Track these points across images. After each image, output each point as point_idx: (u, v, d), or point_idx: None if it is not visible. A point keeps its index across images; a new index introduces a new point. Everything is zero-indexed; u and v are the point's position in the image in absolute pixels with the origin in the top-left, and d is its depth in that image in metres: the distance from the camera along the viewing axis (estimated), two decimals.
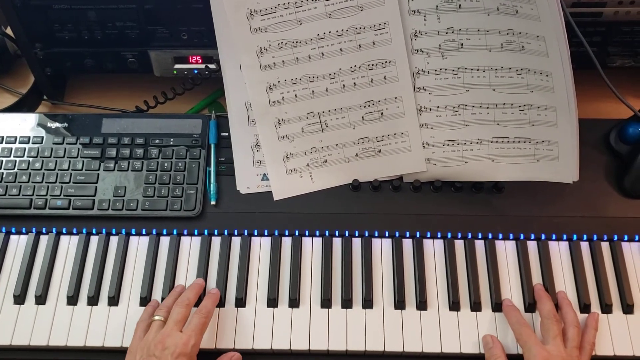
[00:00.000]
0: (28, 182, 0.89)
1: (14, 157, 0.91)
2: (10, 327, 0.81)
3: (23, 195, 0.89)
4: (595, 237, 0.86)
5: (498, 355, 0.77)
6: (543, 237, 0.87)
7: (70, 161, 0.91)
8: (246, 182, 0.91)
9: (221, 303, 0.82)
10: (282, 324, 0.81)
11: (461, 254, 0.86)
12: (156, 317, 0.77)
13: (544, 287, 0.83)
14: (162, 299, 0.82)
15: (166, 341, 0.73)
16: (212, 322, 0.81)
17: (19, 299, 0.83)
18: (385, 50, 0.86)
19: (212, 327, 0.81)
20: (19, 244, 0.87)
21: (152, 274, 0.85)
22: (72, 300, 0.83)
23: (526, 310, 0.82)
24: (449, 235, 0.87)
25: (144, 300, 0.83)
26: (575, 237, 0.87)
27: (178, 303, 0.79)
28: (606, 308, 0.82)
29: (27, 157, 0.91)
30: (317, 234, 0.87)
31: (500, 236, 0.87)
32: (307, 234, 0.87)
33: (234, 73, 0.89)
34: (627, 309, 0.82)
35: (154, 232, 0.87)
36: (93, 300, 0.83)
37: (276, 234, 0.87)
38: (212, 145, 0.93)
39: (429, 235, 0.87)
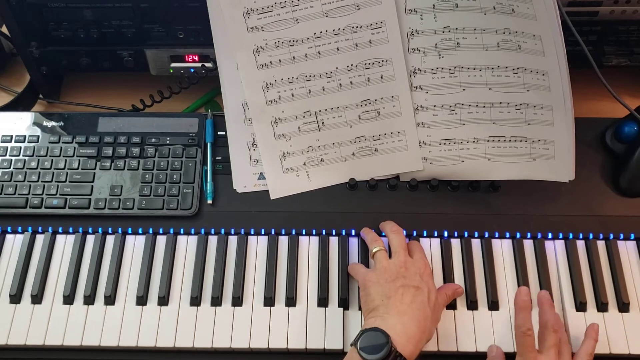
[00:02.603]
0: (24, 181, 0.89)
1: (9, 156, 0.91)
2: (6, 326, 0.81)
3: (19, 194, 0.88)
4: (591, 236, 0.87)
5: None
6: (539, 235, 0.87)
7: (66, 160, 0.91)
8: (243, 181, 0.91)
9: (218, 302, 0.82)
10: (279, 322, 0.81)
11: (457, 252, 0.86)
12: (376, 249, 0.81)
13: (543, 289, 0.83)
14: (159, 298, 0.82)
15: (407, 265, 0.79)
16: (208, 322, 0.81)
17: (15, 298, 0.83)
18: (381, 49, 0.86)
19: (209, 326, 0.81)
20: (14, 243, 0.87)
21: (149, 273, 0.85)
22: (69, 299, 0.83)
23: None
24: (446, 234, 0.87)
25: (141, 300, 0.82)
26: (571, 235, 0.87)
27: (394, 231, 0.83)
28: (602, 306, 0.82)
29: (23, 156, 0.91)
30: (314, 233, 0.87)
31: (497, 235, 0.87)
32: (303, 233, 0.87)
33: (230, 72, 0.89)
34: (623, 307, 0.82)
35: (151, 231, 0.87)
36: (89, 300, 0.83)
37: (273, 233, 0.87)
38: (209, 144, 0.93)
39: (425, 234, 0.87)
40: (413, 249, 0.83)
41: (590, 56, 0.84)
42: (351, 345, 0.73)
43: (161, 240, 0.87)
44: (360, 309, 0.82)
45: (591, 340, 0.77)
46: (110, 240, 0.87)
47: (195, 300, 0.82)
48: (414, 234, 0.87)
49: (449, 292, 0.81)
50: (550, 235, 0.87)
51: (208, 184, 0.90)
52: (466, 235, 0.87)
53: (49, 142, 0.92)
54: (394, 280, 0.77)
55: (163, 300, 0.83)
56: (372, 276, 0.79)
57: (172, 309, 0.82)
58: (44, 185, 0.89)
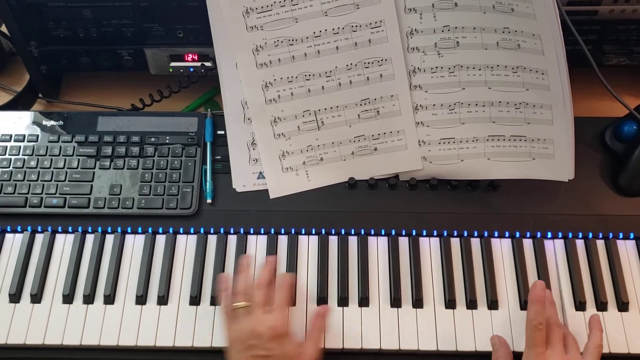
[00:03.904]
0: (23, 180, 0.89)
1: (9, 155, 0.91)
2: (6, 326, 0.81)
3: (18, 193, 0.88)
4: (590, 235, 0.87)
5: (503, 358, 0.76)
6: (539, 234, 0.87)
7: (65, 159, 0.91)
8: (242, 180, 0.90)
9: (217, 301, 0.82)
10: None
11: (457, 251, 0.86)
12: (240, 304, 0.76)
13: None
14: (158, 297, 0.82)
15: (258, 328, 0.73)
16: (208, 321, 0.81)
17: (15, 297, 0.83)
18: (381, 48, 0.86)
19: (208, 325, 0.81)
20: (14, 242, 0.87)
21: (148, 272, 0.85)
22: (68, 298, 0.83)
23: (522, 308, 0.82)
24: (445, 233, 0.87)
25: (140, 299, 0.82)
26: (570, 235, 0.87)
27: (258, 285, 0.78)
28: (601, 306, 0.82)
29: (22, 155, 0.91)
30: (313, 232, 0.87)
31: (496, 234, 0.87)
32: (303, 232, 0.87)
33: (230, 71, 0.89)
34: (622, 306, 0.82)
35: (150, 230, 0.87)
36: (89, 299, 0.83)
37: (272, 232, 0.87)
38: (208, 144, 0.93)
39: (425, 233, 0.87)
40: (275, 299, 0.77)
41: (589, 55, 0.84)
42: None
43: (161, 240, 0.87)
44: (360, 305, 0.82)
45: (597, 331, 0.76)
46: (109, 239, 0.87)
47: (195, 300, 0.82)
48: (414, 233, 0.87)
49: (315, 335, 0.77)
50: (549, 235, 0.87)
51: (207, 183, 0.90)
52: (466, 234, 0.87)
53: (49, 142, 0.92)
54: (246, 350, 0.73)
55: (162, 300, 0.83)
56: (230, 337, 0.75)
57: (171, 308, 0.82)
58: (43, 185, 0.89)
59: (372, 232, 0.87)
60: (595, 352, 0.74)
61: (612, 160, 0.92)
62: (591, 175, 0.91)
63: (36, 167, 0.90)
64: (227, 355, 0.75)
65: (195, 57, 0.98)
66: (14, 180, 0.89)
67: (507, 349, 0.77)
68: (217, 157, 0.92)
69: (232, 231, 0.87)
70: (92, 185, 0.89)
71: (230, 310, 0.77)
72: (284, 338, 0.73)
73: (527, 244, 0.87)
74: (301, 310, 0.82)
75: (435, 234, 0.87)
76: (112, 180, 0.90)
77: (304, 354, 0.74)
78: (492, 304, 0.82)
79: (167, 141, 0.92)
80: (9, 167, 0.90)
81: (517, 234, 0.87)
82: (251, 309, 0.76)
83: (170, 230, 0.87)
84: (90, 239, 0.87)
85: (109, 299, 0.83)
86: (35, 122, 0.94)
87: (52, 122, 0.94)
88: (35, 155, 0.91)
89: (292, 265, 0.84)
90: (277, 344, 0.73)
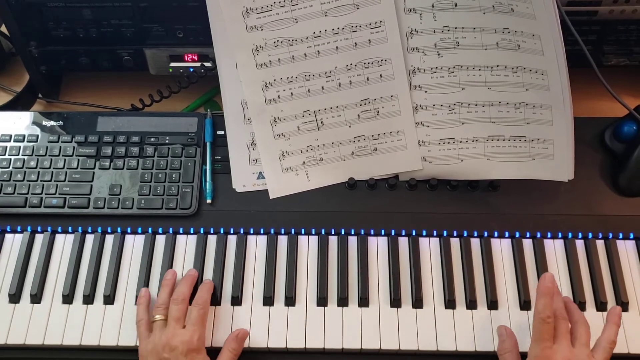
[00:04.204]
0: (23, 180, 0.89)
1: (8, 155, 0.91)
2: (6, 326, 0.81)
3: (18, 193, 0.88)
4: (590, 235, 0.87)
5: (509, 350, 0.76)
6: (538, 235, 0.87)
7: (65, 159, 0.91)
8: (242, 180, 0.90)
9: (217, 301, 0.82)
10: (278, 322, 0.81)
11: (457, 252, 0.86)
12: (157, 317, 0.78)
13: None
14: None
15: (172, 342, 0.75)
16: (208, 321, 0.81)
17: (14, 297, 0.83)
18: (381, 49, 0.86)
19: (208, 325, 0.80)
20: (14, 242, 0.87)
21: (148, 272, 0.85)
22: (68, 299, 0.83)
23: (521, 309, 0.82)
24: (445, 234, 0.87)
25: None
26: (570, 235, 0.87)
27: (174, 300, 0.79)
28: (601, 306, 0.82)
29: (22, 155, 0.91)
30: (313, 232, 0.87)
31: (496, 234, 0.87)
32: (303, 233, 0.87)
33: (229, 71, 0.89)
34: (622, 306, 0.82)
35: (150, 230, 0.87)
36: (88, 299, 0.83)
37: (272, 232, 0.87)
38: (208, 144, 0.93)
39: (424, 234, 0.87)
40: (190, 315, 0.78)
41: (589, 56, 0.84)
42: None
43: (160, 240, 0.87)
44: (359, 305, 0.82)
45: (614, 325, 0.74)
46: (109, 239, 0.87)
47: None
48: (413, 234, 0.87)
49: (226, 355, 0.77)
50: (549, 235, 0.87)
51: (207, 184, 0.90)
52: (465, 234, 0.87)
53: (48, 142, 0.92)
54: None
55: None
56: (144, 350, 0.76)
57: None
58: (43, 185, 0.89)
59: (372, 232, 0.87)
60: (608, 347, 0.73)
61: (612, 160, 0.92)
62: (591, 176, 0.91)
63: (36, 167, 0.90)
64: None
65: (195, 58, 0.98)
66: (13, 181, 0.89)
67: (514, 340, 0.77)
68: (217, 157, 0.92)
69: (231, 231, 0.87)
70: (91, 186, 0.89)
71: (146, 322, 0.78)
72: (197, 354, 0.75)
73: (527, 244, 0.87)
74: (301, 310, 0.82)
75: (435, 234, 0.87)
76: (112, 180, 0.90)
77: None
78: (492, 304, 0.82)
79: (167, 141, 0.92)
80: (8, 167, 0.90)
81: (517, 234, 0.87)
82: (167, 323, 0.78)
83: (170, 230, 0.87)
84: (90, 239, 0.87)
85: (109, 299, 0.83)
86: (35, 123, 0.94)
87: (52, 123, 0.94)
88: (35, 155, 0.91)
89: (291, 266, 0.84)
90: (189, 359, 0.74)
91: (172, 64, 0.99)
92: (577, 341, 0.73)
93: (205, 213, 0.89)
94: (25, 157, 0.91)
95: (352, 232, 0.87)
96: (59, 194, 0.88)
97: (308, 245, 0.87)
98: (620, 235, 0.87)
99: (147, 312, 0.80)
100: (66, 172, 0.90)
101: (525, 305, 0.82)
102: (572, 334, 0.74)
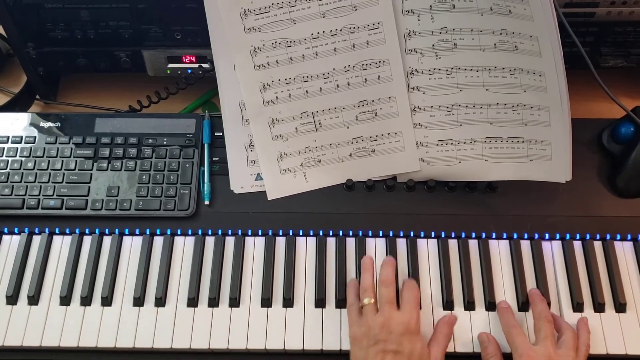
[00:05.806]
0: (20, 182, 0.89)
1: (6, 156, 0.91)
2: (3, 327, 0.81)
3: (15, 195, 0.88)
4: (588, 237, 0.87)
5: (492, 354, 0.77)
6: (536, 236, 0.87)
7: (63, 161, 0.91)
8: (240, 181, 0.90)
9: (215, 303, 0.82)
10: (276, 324, 0.81)
11: (455, 253, 0.86)
12: (366, 301, 0.78)
13: (537, 288, 0.83)
14: (156, 299, 0.82)
15: (390, 324, 0.75)
16: (206, 323, 0.81)
17: (12, 299, 0.83)
18: (379, 50, 0.86)
19: (206, 327, 0.80)
20: (11, 244, 0.87)
21: (146, 274, 0.84)
22: (65, 300, 0.83)
23: (520, 309, 0.82)
24: (443, 235, 0.87)
25: (138, 301, 0.82)
26: (568, 236, 0.87)
27: (382, 282, 0.79)
28: (599, 307, 0.82)
29: (20, 156, 0.91)
30: (311, 233, 0.87)
31: (494, 235, 0.87)
32: (301, 234, 0.87)
33: (227, 72, 0.89)
34: (620, 307, 0.82)
35: (148, 232, 0.87)
36: (86, 301, 0.83)
37: (270, 233, 0.87)
38: (206, 145, 0.93)
39: (422, 235, 0.87)
40: (404, 297, 0.79)
41: (586, 57, 0.84)
42: None
43: (158, 241, 0.87)
44: None
45: (585, 332, 0.78)
46: (107, 241, 0.87)
47: (193, 302, 0.82)
48: (411, 235, 0.87)
49: (441, 340, 0.77)
50: (547, 236, 0.87)
51: (205, 185, 0.90)
52: (463, 236, 0.87)
53: (46, 143, 0.92)
54: (375, 344, 0.74)
55: (160, 302, 0.82)
56: (357, 333, 0.76)
57: (169, 310, 0.82)
58: (40, 186, 0.89)
59: (370, 234, 0.87)
60: (584, 349, 0.76)
61: (610, 161, 0.92)
62: (588, 177, 0.91)
63: (33, 169, 0.90)
64: (353, 352, 0.76)
65: (193, 59, 0.98)
66: (11, 182, 0.89)
67: (496, 345, 0.78)
68: (215, 159, 0.92)
69: (229, 233, 0.87)
70: (89, 187, 0.89)
71: (357, 307, 0.78)
72: (414, 336, 0.75)
73: (525, 245, 0.87)
74: (299, 312, 0.82)
75: (433, 235, 0.87)
76: (110, 181, 0.89)
77: (431, 356, 0.75)
78: (490, 305, 0.82)
79: (165, 143, 0.92)
80: (6, 168, 0.90)
81: (515, 236, 0.87)
82: (379, 306, 0.78)
83: (168, 231, 0.87)
84: (87, 240, 0.87)
85: (107, 301, 0.82)
86: (32, 124, 0.94)
87: (50, 124, 0.94)
88: (33, 156, 0.91)
89: (289, 267, 0.84)
90: (408, 340, 0.74)
91: (170, 66, 0.99)
92: (564, 344, 0.76)
93: (203, 214, 0.88)
94: (23, 159, 0.91)
95: (350, 234, 0.87)
96: (57, 195, 0.88)
97: (306, 246, 0.87)
98: (618, 237, 0.87)
99: (357, 298, 0.80)
100: (64, 174, 0.90)
101: (523, 306, 0.82)
102: (559, 338, 0.77)
